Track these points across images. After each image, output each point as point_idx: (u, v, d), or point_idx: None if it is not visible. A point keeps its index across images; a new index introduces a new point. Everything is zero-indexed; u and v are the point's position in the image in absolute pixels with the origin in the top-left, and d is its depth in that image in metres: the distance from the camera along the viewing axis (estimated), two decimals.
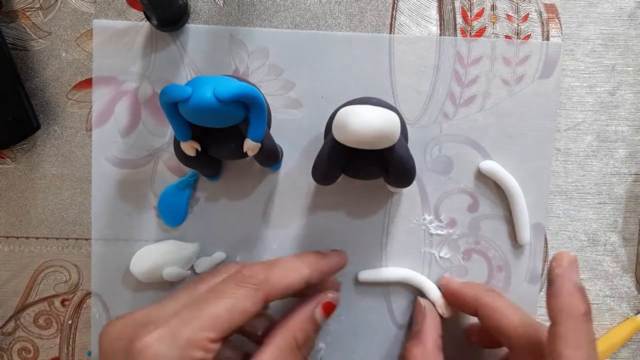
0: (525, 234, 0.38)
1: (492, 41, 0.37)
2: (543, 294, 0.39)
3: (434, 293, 0.37)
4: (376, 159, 0.32)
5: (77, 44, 0.37)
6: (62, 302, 0.38)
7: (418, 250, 0.38)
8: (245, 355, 0.33)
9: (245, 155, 0.33)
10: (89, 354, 0.38)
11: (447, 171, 0.38)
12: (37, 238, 0.38)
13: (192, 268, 0.38)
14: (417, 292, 0.38)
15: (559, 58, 0.38)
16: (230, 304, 0.27)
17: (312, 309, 0.32)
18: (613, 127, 0.39)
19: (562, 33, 0.38)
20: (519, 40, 0.38)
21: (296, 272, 0.31)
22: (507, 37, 0.38)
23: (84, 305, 0.38)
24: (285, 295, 0.30)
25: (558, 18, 0.38)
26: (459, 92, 0.38)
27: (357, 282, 0.38)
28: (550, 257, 0.39)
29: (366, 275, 0.38)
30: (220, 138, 0.33)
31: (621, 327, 0.39)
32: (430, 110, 0.38)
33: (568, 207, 0.39)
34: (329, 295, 0.33)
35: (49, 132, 0.37)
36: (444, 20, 0.37)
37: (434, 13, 0.37)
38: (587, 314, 0.28)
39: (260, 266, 0.30)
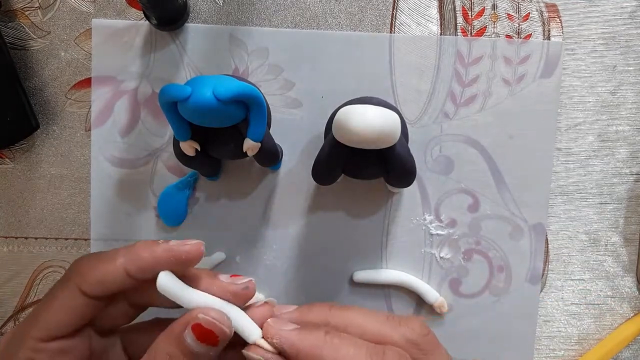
0: (432, 296, 0.38)
1: (493, 40, 0.37)
2: (544, 294, 0.39)
3: (431, 295, 0.37)
4: (376, 159, 0.32)
5: (76, 43, 0.36)
6: None
7: (418, 251, 0.38)
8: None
9: (245, 155, 0.33)
10: None
11: (447, 171, 0.38)
12: (36, 238, 0.38)
13: None
14: (417, 295, 0.38)
15: (559, 57, 0.38)
16: (48, 300, 0.27)
17: (179, 328, 0.25)
18: (614, 127, 0.39)
19: (563, 32, 0.38)
20: (520, 40, 0.37)
21: (110, 259, 0.27)
22: (507, 36, 0.37)
23: None
24: (104, 287, 0.27)
25: (559, 17, 0.38)
26: (460, 92, 0.37)
27: (356, 283, 0.38)
28: (551, 258, 0.39)
29: (361, 276, 0.38)
30: (220, 138, 0.33)
31: (622, 328, 0.39)
32: (431, 110, 0.37)
33: (569, 207, 0.39)
34: (199, 316, 0.25)
35: (48, 131, 0.37)
36: (444, 19, 0.37)
37: (434, 12, 0.37)
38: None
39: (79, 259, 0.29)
